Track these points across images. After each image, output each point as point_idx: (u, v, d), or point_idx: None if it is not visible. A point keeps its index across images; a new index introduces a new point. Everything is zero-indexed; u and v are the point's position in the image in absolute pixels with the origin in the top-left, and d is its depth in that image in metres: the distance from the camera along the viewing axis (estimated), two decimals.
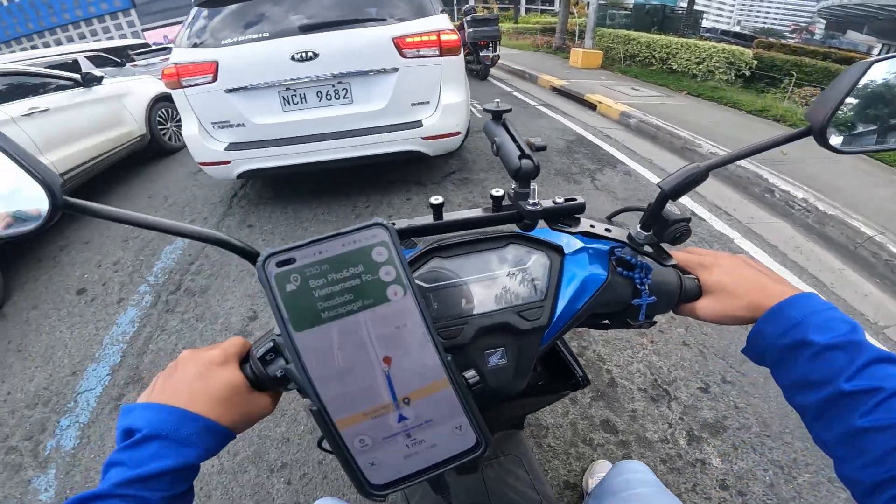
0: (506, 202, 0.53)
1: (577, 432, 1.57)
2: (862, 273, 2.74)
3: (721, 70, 7.25)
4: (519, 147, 0.51)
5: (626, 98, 5.92)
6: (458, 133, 2.96)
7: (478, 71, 7.78)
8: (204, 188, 3.68)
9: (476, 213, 0.53)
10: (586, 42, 9.55)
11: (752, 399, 1.69)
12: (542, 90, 6.99)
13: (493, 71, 8.69)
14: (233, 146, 2.78)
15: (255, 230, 2.94)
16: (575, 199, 0.54)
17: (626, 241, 0.55)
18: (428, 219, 0.52)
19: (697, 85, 7.04)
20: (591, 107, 5.69)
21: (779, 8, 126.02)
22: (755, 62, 7.31)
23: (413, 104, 2.83)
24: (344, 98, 2.77)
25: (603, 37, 9.88)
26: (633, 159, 4.00)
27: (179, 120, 3.26)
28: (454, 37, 2.80)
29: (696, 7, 18.30)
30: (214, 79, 2.63)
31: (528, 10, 56.07)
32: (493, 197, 0.51)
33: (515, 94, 6.58)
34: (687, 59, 7.72)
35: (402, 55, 2.69)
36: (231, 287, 2.42)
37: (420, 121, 2.85)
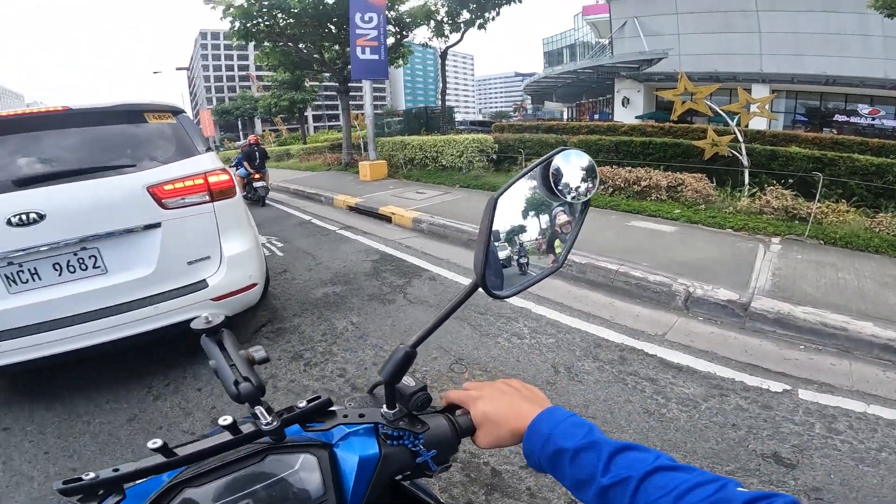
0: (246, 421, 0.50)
1: None
2: (625, 299, 3.50)
3: (477, 159, 8.84)
4: (235, 369, 0.49)
5: (415, 203, 6.67)
6: (255, 285, 2.69)
7: (255, 200, 8.24)
8: None
9: (212, 441, 0.49)
10: (370, 154, 10.52)
11: (615, 437, 1.92)
12: (340, 211, 7.35)
13: (289, 199, 8.83)
14: None
15: (14, 433, 2.21)
16: (319, 398, 0.53)
17: (382, 420, 0.57)
18: (156, 458, 0.46)
19: (464, 176, 8.42)
20: (387, 219, 6.20)
21: (502, 92, 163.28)
22: (496, 146, 9.09)
23: (190, 262, 2.46)
24: (94, 268, 2.27)
25: (384, 146, 10.87)
26: (434, 263, 4.43)
27: None
28: (226, 177, 2.55)
29: (448, 104, 22.34)
30: None
31: (315, 129, 60.01)
32: (223, 427, 0.48)
33: (314, 221, 6.75)
34: (451, 154, 9.21)
35: (163, 206, 2.34)
36: (7, 493, 1.88)
37: (204, 280, 2.49)
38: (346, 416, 0.56)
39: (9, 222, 2.04)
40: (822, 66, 18.29)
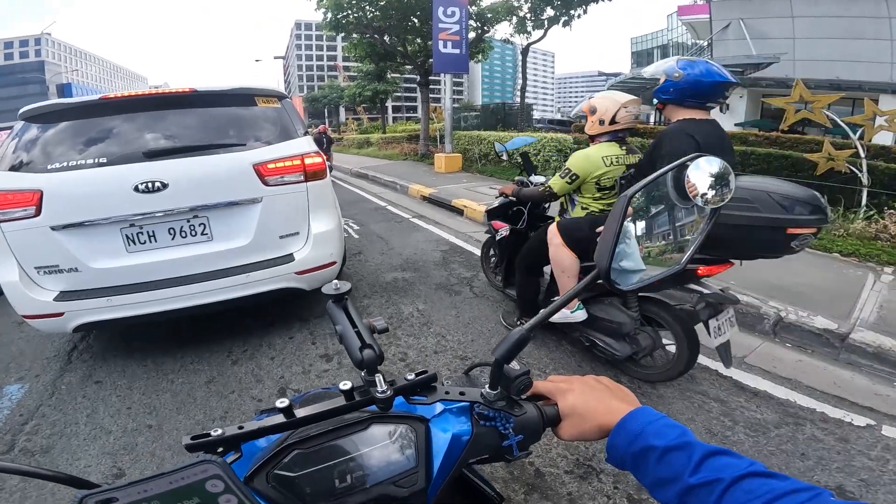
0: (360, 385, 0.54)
1: None
2: None
3: (554, 158, 8.63)
4: (360, 336, 0.52)
5: (487, 198, 6.65)
6: (334, 263, 2.82)
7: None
8: (33, 341, 3.03)
9: (329, 405, 0.53)
10: (446, 146, 10.67)
11: None
12: (413, 200, 7.55)
13: (367, 185, 9.20)
14: (65, 295, 2.32)
15: (105, 387, 2.46)
16: (426, 372, 0.57)
17: (480, 400, 0.59)
18: (278, 418, 0.50)
19: (541, 174, 8.22)
20: (459, 212, 6.27)
21: (583, 92, 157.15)
22: (575, 146, 8.81)
23: (282, 236, 2.62)
24: (202, 234, 2.47)
25: (460, 139, 11.01)
26: None
27: None
28: (319, 159, 2.69)
29: (526, 101, 21.96)
30: (38, 212, 2.19)
31: (395, 119, 61.92)
32: (342, 391, 0.52)
33: (389, 207, 7.01)
34: (527, 152, 9.05)
35: (265, 183, 2.50)
36: (82, 445, 2.03)
37: (291, 254, 2.64)
38: (447, 393, 0.59)
39: (136, 189, 2.27)
40: None
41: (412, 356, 2.71)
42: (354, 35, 13.24)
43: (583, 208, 2.53)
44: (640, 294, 2.31)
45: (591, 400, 0.57)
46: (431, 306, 3.36)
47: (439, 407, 0.59)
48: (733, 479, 0.41)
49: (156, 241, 2.43)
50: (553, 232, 2.45)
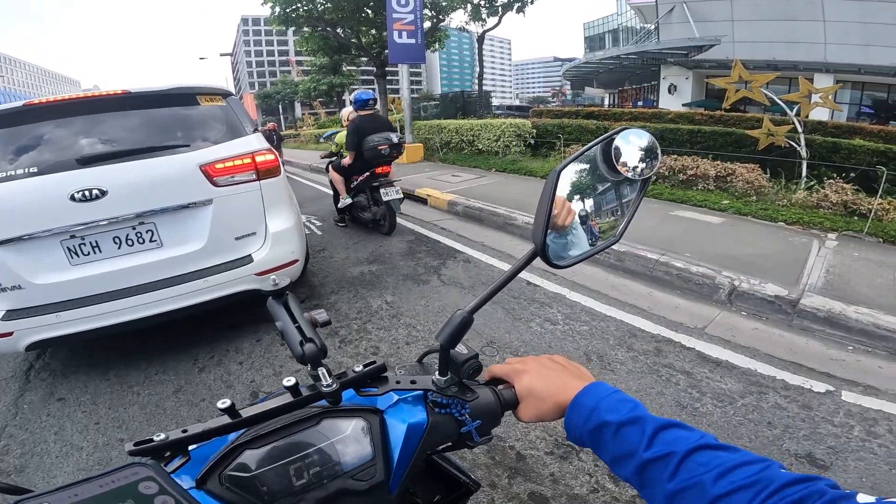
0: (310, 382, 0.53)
1: None
2: (665, 290, 3.39)
3: (514, 143, 8.71)
4: (300, 331, 0.51)
5: (450, 186, 6.66)
6: (296, 261, 2.78)
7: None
8: None
9: (274, 403, 0.52)
10: (406, 137, 10.53)
11: None
12: None
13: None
14: (11, 314, 2.21)
15: (69, 403, 2.35)
16: (374, 363, 0.56)
17: (432, 387, 0.58)
18: (222, 420, 0.49)
19: (501, 161, 8.31)
20: (423, 201, 6.22)
21: (540, 78, 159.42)
22: (534, 131, 8.92)
23: (238, 238, 2.56)
24: (150, 241, 2.38)
25: (420, 129, 10.93)
26: (469, 246, 4.43)
27: None
28: (271, 156, 2.64)
29: (485, 89, 22.03)
30: None
31: None
32: (286, 388, 0.50)
33: None
34: (487, 138, 9.11)
35: (215, 184, 2.43)
36: (56, 463, 1.95)
37: (250, 255, 2.58)
38: (398, 382, 0.58)
39: (72, 198, 2.15)
40: (892, 58, 16.84)
41: (384, 349, 2.68)
42: (306, 28, 12.84)
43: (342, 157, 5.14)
44: (371, 187, 4.70)
45: (546, 379, 0.57)
46: (400, 297, 3.33)
47: (394, 397, 0.58)
48: (686, 453, 0.42)
49: (101, 251, 2.31)
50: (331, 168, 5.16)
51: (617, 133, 0.55)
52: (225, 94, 2.76)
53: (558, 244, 0.58)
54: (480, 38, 15.50)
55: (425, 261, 4.07)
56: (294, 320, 0.54)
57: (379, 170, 4.62)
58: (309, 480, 0.51)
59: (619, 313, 3.02)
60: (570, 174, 0.55)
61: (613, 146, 0.55)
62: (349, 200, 4.92)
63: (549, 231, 0.53)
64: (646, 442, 0.45)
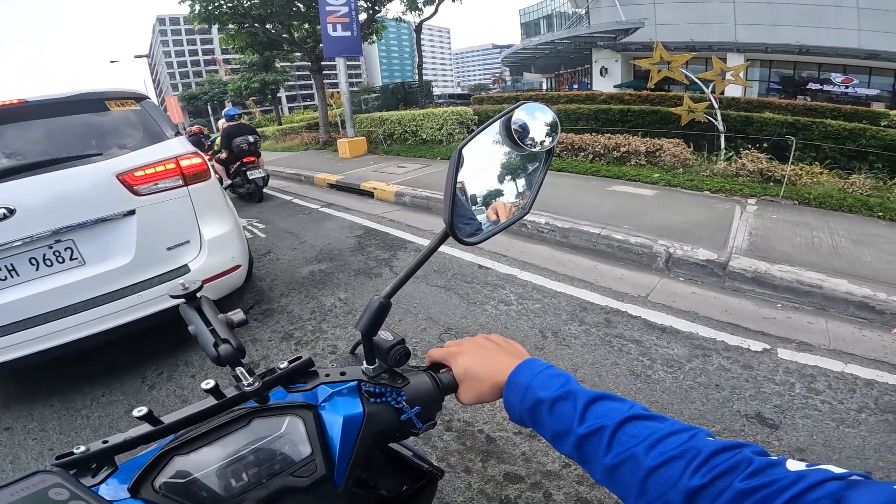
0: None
1: (490, 497, 1.58)
2: (608, 262, 3.57)
3: (457, 131, 8.76)
4: (214, 333, 0.50)
5: (396, 177, 6.59)
6: (238, 266, 2.68)
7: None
8: None
9: (198, 407, 0.50)
10: (348, 131, 10.32)
11: None
12: (321, 189, 7.22)
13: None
14: None
15: (16, 433, 2.20)
16: (299, 358, 0.54)
17: (363, 378, 0.58)
18: (143, 428, 0.48)
19: (445, 149, 8.34)
20: (370, 195, 6.13)
21: (480, 65, 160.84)
22: (476, 118, 9.03)
23: (170, 248, 2.44)
24: (71, 260, 2.22)
25: (362, 122, 10.73)
26: (419, 235, 4.43)
27: None
28: (198, 160, 2.52)
29: (425, 78, 21.85)
30: None
31: (290, 109, 58.23)
32: (206, 391, 0.49)
33: (295, 200, 6.63)
34: (431, 128, 9.09)
35: (136, 193, 2.30)
36: None
37: (186, 265, 2.47)
38: (328, 376, 0.57)
39: None
40: (797, 36, 18.44)
41: (342, 347, 2.63)
42: (231, 25, 12.09)
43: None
44: (241, 172, 6.65)
45: (481, 360, 0.56)
46: (353, 293, 3.28)
47: (327, 391, 0.57)
48: (616, 425, 0.42)
49: (17, 274, 2.14)
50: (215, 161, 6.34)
51: (515, 108, 0.55)
52: (138, 98, 2.60)
53: (469, 221, 0.59)
54: (418, 28, 15.35)
55: (376, 254, 4.02)
56: (208, 323, 0.53)
57: (245, 160, 6.64)
58: (248, 481, 0.50)
59: (568, 288, 3.14)
60: (475, 151, 0.55)
61: (513, 121, 0.55)
62: (229, 182, 6.85)
63: (456, 210, 0.53)
64: (578, 417, 0.45)
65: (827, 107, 8.84)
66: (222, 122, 8.23)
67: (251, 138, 6.68)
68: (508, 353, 0.57)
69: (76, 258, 2.24)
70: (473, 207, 0.59)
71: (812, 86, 19.68)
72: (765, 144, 5.94)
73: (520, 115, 0.55)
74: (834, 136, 6.52)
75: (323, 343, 2.68)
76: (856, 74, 18.94)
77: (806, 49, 18.67)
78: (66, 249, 2.21)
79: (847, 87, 19.01)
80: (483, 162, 0.58)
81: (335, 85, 12.29)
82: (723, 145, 6.20)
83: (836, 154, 6.38)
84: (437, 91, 30.38)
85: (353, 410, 0.56)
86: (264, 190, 6.89)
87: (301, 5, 11.49)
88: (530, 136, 0.55)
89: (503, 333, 2.59)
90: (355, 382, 0.58)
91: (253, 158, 6.66)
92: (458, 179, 0.53)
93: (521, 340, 2.55)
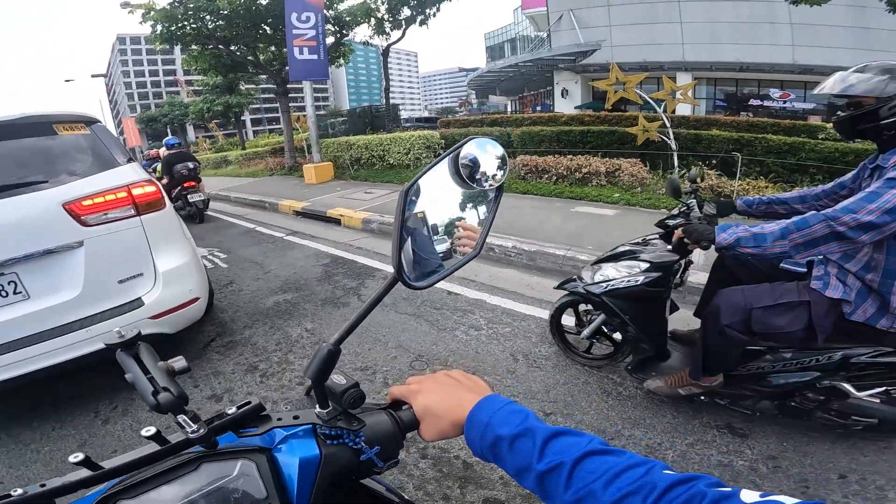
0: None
1: None
2: None
3: (424, 155, 8.85)
4: (153, 381, 0.48)
5: (364, 203, 6.58)
6: (197, 299, 2.58)
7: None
8: None
9: (140, 453, 0.48)
10: (314, 156, 10.19)
11: (578, 418, 2.04)
12: (286, 217, 7.09)
13: (230, 209, 8.42)
14: None
15: None
16: (249, 403, 0.53)
17: (318, 421, 0.57)
18: (82, 472, 0.46)
19: (413, 174, 8.32)
20: (336, 222, 6.07)
21: (447, 88, 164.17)
22: (443, 141, 9.15)
23: (121, 281, 2.34)
24: (15, 294, 2.12)
25: (329, 147, 10.61)
26: (387, 263, 4.38)
27: None
28: (152, 188, 2.42)
29: (393, 102, 22.05)
30: None
31: (255, 133, 57.32)
32: (146, 437, 0.47)
33: (259, 228, 6.47)
34: (398, 152, 9.15)
35: (83, 223, 2.20)
36: None
37: (139, 298, 2.37)
38: (280, 420, 0.56)
39: None
40: (737, 54, 19.68)
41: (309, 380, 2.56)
42: (194, 47, 11.92)
43: None
44: (182, 196, 7.10)
45: (441, 397, 0.56)
46: (320, 323, 3.22)
47: (281, 434, 0.57)
48: (575, 461, 0.43)
49: None
50: None
51: (462, 145, 0.54)
52: (88, 122, 2.50)
53: (418, 265, 0.57)
54: (385, 52, 15.56)
55: (343, 283, 3.97)
56: (146, 371, 0.51)
57: (186, 184, 7.06)
58: None
59: (537, 311, 3.16)
60: (423, 191, 0.54)
61: (462, 157, 0.54)
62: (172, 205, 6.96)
63: (404, 253, 0.53)
64: (537, 453, 0.45)
65: (767, 122, 9.48)
66: (163, 150, 8.88)
67: (191, 164, 7.19)
68: (469, 389, 0.57)
69: (20, 292, 2.14)
70: (435, 237, 0.58)
71: (753, 102, 20.94)
72: (713, 161, 6.28)
73: (470, 149, 0.55)
74: (776, 150, 6.97)
75: (290, 375, 2.61)
76: (792, 89, 20.23)
77: (745, 66, 19.94)
78: (9, 283, 2.11)
79: (785, 102, 20.26)
80: (442, 192, 0.57)
81: (302, 108, 12.24)
82: (676, 163, 6.52)
83: (779, 168, 6.81)
84: (404, 115, 30.72)
85: (309, 453, 0.55)
86: (205, 212, 7.47)
87: (267, 28, 11.45)
88: (481, 170, 0.55)
89: (474, 358, 2.64)
90: (310, 425, 0.57)
91: (193, 183, 7.13)
92: (418, 210, 0.53)
93: (492, 364, 2.61)
